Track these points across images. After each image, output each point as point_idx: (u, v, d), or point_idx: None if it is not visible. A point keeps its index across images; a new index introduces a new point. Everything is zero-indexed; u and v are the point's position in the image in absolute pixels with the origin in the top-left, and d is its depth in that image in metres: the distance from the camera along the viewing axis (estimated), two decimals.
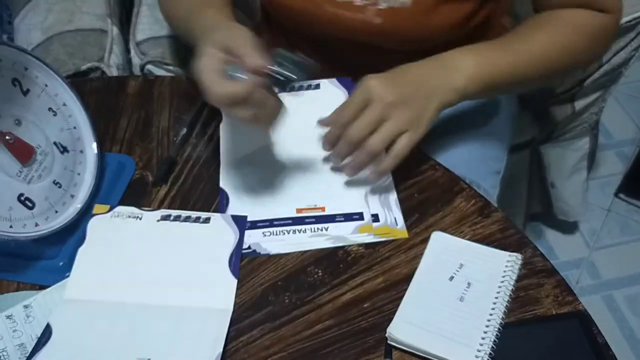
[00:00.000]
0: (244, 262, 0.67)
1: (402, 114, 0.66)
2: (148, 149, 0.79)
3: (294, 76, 0.59)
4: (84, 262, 0.66)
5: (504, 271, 0.64)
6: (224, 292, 0.64)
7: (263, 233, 0.68)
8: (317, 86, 0.81)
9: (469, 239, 0.68)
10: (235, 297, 0.64)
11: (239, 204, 0.71)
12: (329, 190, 0.71)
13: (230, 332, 0.61)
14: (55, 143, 0.70)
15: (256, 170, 0.74)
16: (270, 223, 0.69)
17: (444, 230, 0.69)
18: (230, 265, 0.66)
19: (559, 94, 1.15)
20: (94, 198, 0.71)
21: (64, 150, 0.71)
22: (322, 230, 0.68)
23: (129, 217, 0.70)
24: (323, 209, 0.70)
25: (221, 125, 0.78)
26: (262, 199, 0.71)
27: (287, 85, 0.60)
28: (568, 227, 1.50)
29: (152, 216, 0.70)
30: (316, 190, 0.71)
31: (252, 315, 0.63)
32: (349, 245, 0.68)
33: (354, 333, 0.61)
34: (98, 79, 0.97)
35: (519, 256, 0.65)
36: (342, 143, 0.69)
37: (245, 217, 0.69)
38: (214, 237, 0.68)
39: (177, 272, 0.65)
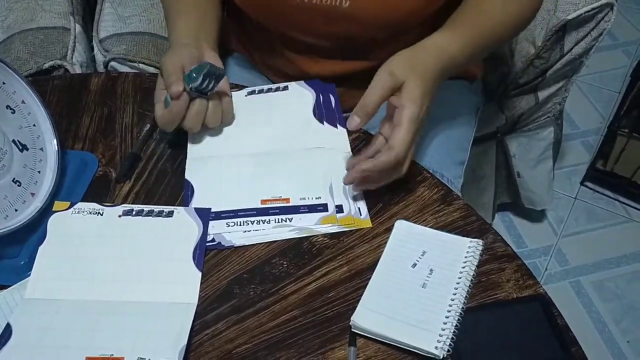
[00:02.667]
0: (208, 256, 0.67)
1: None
2: (111, 146, 0.78)
3: (206, 89, 0.71)
4: (45, 260, 0.65)
5: (465, 257, 0.65)
6: (188, 285, 0.64)
7: (227, 223, 0.68)
8: (286, 88, 0.82)
9: (431, 227, 0.69)
10: (200, 290, 0.64)
11: (203, 195, 0.71)
12: (293, 181, 0.72)
13: (195, 325, 0.61)
14: (14, 141, 0.69)
15: (222, 162, 0.74)
16: (235, 214, 0.69)
17: (407, 218, 0.69)
18: (194, 259, 0.66)
19: (522, 85, 1.16)
20: (55, 196, 0.70)
21: (23, 148, 0.70)
22: (286, 221, 0.68)
23: (90, 213, 0.69)
24: (287, 200, 0.70)
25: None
26: (227, 191, 0.71)
27: (204, 95, 0.72)
28: (536, 216, 1.53)
29: (113, 212, 0.69)
30: (281, 182, 0.72)
31: (217, 308, 0.63)
32: (314, 236, 0.68)
33: (318, 322, 0.62)
34: (60, 77, 0.96)
35: (480, 242, 0.66)
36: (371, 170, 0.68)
37: (209, 209, 0.69)
38: (178, 230, 0.68)
39: (141, 267, 0.65)
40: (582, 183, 1.61)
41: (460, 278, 0.63)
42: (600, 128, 1.73)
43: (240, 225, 0.68)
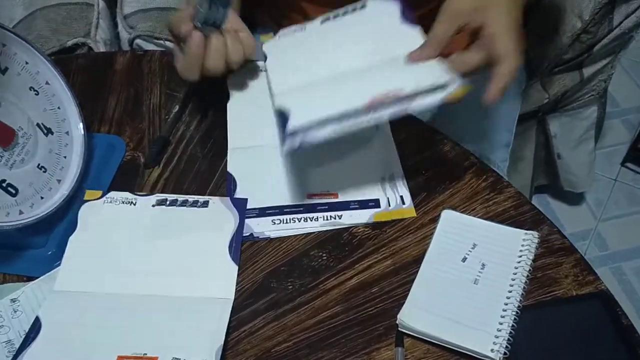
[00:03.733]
0: (246, 245, 0.63)
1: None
2: (139, 129, 0.74)
3: (216, 20, 0.63)
4: (76, 251, 0.62)
5: (521, 251, 0.60)
6: (224, 280, 0.60)
7: (272, 221, 0.64)
8: (363, 6, 0.70)
9: (481, 217, 0.64)
10: (236, 284, 0.60)
11: (246, 189, 0.67)
12: (341, 175, 0.67)
13: (232, 322, 0.57)
14: (38, 125, 0.65)
15: (265, 152, 0.69)
16: (280, 210, 0.64)
17: (454, 208, 0.65)
18: (230, 252, 0.62)
19: (567, 61, 1.10)
20: (82, 182, 0.66)
21: (48, 132, 0.66)
22: (335, 218, 0.64)
23: (123, 202, 0.66)
24: (336, 195, 0.65)
25: (228, 105, 0.73)
26: (272, 184, 0.67)
27: (217, 27, 0.64)
28: (574, 199, 1.47)
29: (147, 201, 0.66)
30: (328, 175, 0.67)
31: (254, 303, 0.59)
32: (354, 227, 0.64)
33: (362, 320, 0.58)
34: (84, 55, 0.92)
35: (536, 234, 0.61)
36: None
37: (246, 200, 0.65)
38: (213, 222, 0.64)
39: (175, 260, 0.62)
40: (622, 164, 1.54)
41: (515, 274, 0.58)
42: None
43: (286, 222, 0.64)
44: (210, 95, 0.77)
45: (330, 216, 0.64)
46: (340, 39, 0.67)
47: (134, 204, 0.66)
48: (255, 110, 0.72)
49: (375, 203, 0.65)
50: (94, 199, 0.66)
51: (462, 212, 0.64)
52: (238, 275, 0.61)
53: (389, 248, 0.63)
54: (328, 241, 0.63)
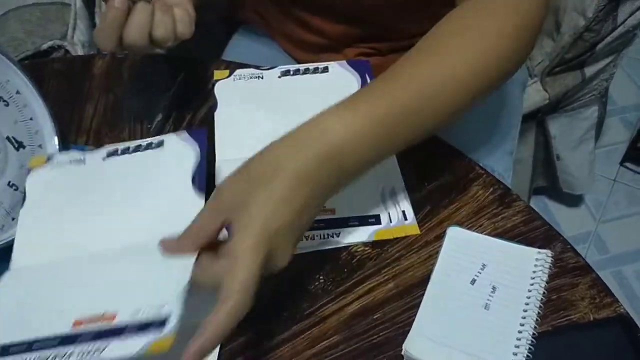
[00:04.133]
0: None
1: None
2: (119, 140, 0.69)
3: None
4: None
5: (534, 272, 0.56)
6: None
7: None
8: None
9: (489, 234, 0.59)
10: None
11: None
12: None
13: (220, 355, 0.52)
14: (8, 138, 0.60)
15: None
16: None
17: (460, 224, 0.60)
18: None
19: (569, 60, 1.06)
20: None
21: (19, 146, 0.61)
22: (333, 236, 0.59)
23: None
24: (333, 211, 0.61)
25: (216, 114, 0.67)
26: None
27: None
28: (573, 200, 1.43)
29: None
30: None
31: (244, 334, 0.54)
32: (353, 245, 0.59)
33: (365, 350, 0.53)
34: (60, 59, 0.87)
35: (549, 253, 0.57)
36: None
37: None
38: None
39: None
40: (621, 163, 1.51)
41: (529, 297, 0.54)
42: (639, 104, 1.62)
43: None
44: (198, 102, 0.72)
45: (328, 234, 0.59)
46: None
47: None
48: (246, 119, 0.67)
49: (376, 219, 0.60)
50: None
51: (468, 229, 0.60)
52: None
53: (391, 269, 0.58)
54: (325, 262, 0.59)
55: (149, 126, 0.70)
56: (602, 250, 1.36)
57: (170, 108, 0.71)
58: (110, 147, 0.60)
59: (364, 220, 0.60)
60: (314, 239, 0.59)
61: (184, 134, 0.60)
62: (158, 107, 0.71)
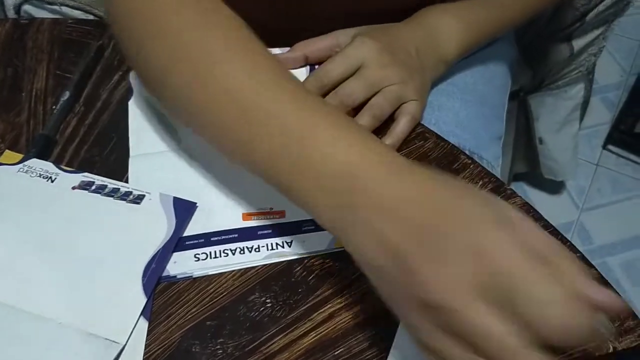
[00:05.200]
0: (157, 289, 0.45)
1: (407, 82, 0.52)
2: (15, 124, 0.55)
3: None
4: None
5: None
6: (122, 314, 0.43)
7: (195, 255, 0.46)
8: (139, 199, 0.49)
9: None
10: (145, 344, 0.42)
11: None
12: None
13: None
14: None
15: (181, 159, 0.51)
16: (207, 239, 0.46)
17: None
18: (144, 276, 0.45)
19: (556, 31, 0.94)
20: None
21: None
22: (282, 246, 0.46)
23: (40, 175, 0.50)
24: (282, 213, 0.48)
25: (130, 103, 0.55)
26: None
27: None
28: (554, 187, 1.33)
29: (68, 180, 0.50)
30: (269, 187, 0.49)
31: None
32: (309, 257, 0.47)
33: None
34: None
35: None
36: (334, 98, 0.50)
37: (194, 205, 0.48)
38: (139, 226, 0.47)
39: (71, 271, 0.45)
40: (604, 147, 1.41)
41: None
42: (621, 82, 1.52)
43: (215, 256, 0.46)
44: (118, 77, 0.57)
45: (276, 244, 0.46)
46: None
47: (52, 181, 0.50)
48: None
49: None
50: (10, 164, 0.51)
51: None
52: (148, 332, 0.43)
53: (358, 288, 0.45)
54: (273, 279, 0.46)
55: (54, 107, 0.55)
56: (586, 241, 1.27)
57: (80, 85, 0.57)
58: (87, 177, 0.50)
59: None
60: (258, 251, 0.46)
61: (168, 200, 0.48)
62: (66, 83, 0.57)
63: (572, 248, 0.48)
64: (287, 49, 0.57)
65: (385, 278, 0.33)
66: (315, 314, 0.44)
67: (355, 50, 0.52)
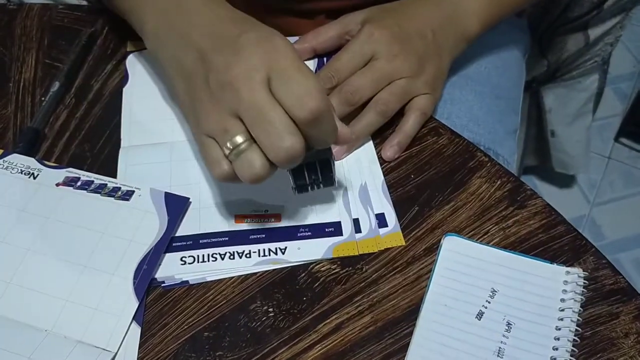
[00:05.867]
0: (151, 297, 0.42)
1: (419, 74, 0.49)
2: (2, 117, 0.52)
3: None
4: None
5: (562, 300, 0.40)
6: (113, 321, 0.40)
7: (182, 259, 0.42)
8: (128, 195, 0.46)
9: (498, 245, 0.44)
10: (138, 355, 0.39)
11: None
12: (285, 186, 0.46)
13: None
14: None
15: (174, 153, 0.48)
16: (195, 242, 0.43)
17: (459, 231, 0.45)
18: (135, 279, 0.42)
19: (572, 20, 0.90)
20: None
21: None
22: (276, 253, 0.43)
23: (22, 172, 0.47)
24: (278, 217, 0.44)
25: (125, 90, 0.51)
26: None
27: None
28: (564, 181, 1.29)
29: (52, 176, 0.47)
30: (265, 187, 0.46)
31: None
32: (315, 262, 0.43)
33: None
34: None
35: (581, 272, 0.42)
36: (338, 97, 0.47)
37: (186, 200, 0.45)
38: (129, 224, 0.44)
39: (56, 276, 0.42)
40: (616, 139, 1.37)
41: (558, 339, 0.39)
42: (634, 73, 1.48)
43: (202, 262, 0.43)
44: (108, 66, 0.54)
45: (269, 250, 0.43)
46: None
47: (35, 177, 0.47)
48: (160, 99, 0.50)
49: (335, 228, 0.44)
50: None
51: (470, 238, 0.44)
52: (140, 342, 0.40)
53: (367, 296, 0.42)
54: (276, 287, 0.42)
55: (43, 98, 0.52)
56: (597, 237, 1.23)
57: (71, 75, 0.53)
58: (72, 173, 0.47)
59: (318, 230, 0.44)
60: (249, 256, 0.43)
61: (159, 196, 0.45)
62: (56, 73, 0.53)
63: (588, 245, 0.45)
64: (295, 38, 0.53)
65: (192, 78, 0.41)
66: (321, 324, 0.41)
67: (362, 46, 0.48)
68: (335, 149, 0.47)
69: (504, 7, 0.55)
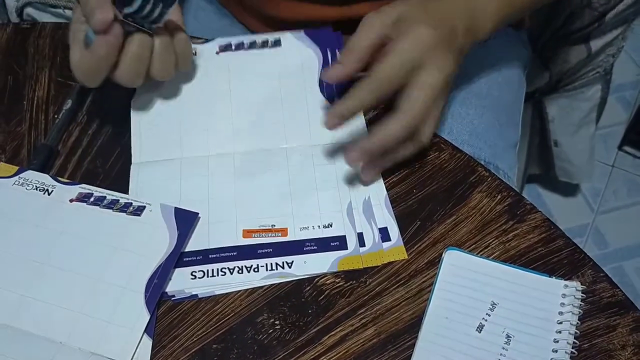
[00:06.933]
0: (161, 310, 0.43)
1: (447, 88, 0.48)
2: (16, 134, 0.53)
3: (150, 18, 0.45)
4: None
5: (560, 313, 0.42)
6: (125, 333, 0.42)
7: (192, 274, 0.44)
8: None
9: (498, 259, 0.45)
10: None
11: None
12: (291, 200, 0.47)
13: None
14: None
15: (184, 170, 0.49)
16: (205, 257, 0.45)
17: (460, 245, 0.46)
18: (147, 292, 0.43)
19: (574, 32, 0.91)
20: None
21: None
22: (283, 267, 0.44)
23: (37, 188, 0.49)
24: (284, 232, 0.46)
25: (133, 102, 0.53)
26: None
27: (148, 29, 0.46)
28: (568, 189, 1.30)
29: (66, 192, 0.48)
30: (272, 202, 0.47)
31: None
32: (319, 276, 0.45)
33: None
34: None
35: (579, 286, 0.43)
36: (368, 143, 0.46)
37: (195, 215, 0.46)
38: (141, 239, 0.46)
39: (69, 290, 0.44)
40: (620, 147, 1.38)
41: (556, 351, 0.40)
42: (638, 81, 1.48)
43: (211, 276, 0.44)
44: (119, 88, 0.56)
45: (276, 264, 0.45)
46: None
47: (49, 194, 0.48)
48: (172, 110, 0.52)
49: (340, 242, 0.46)
50: (5, 176, 0.49)
51: (471, 251, 0.45)
52: (151, 356, 0.41)
53: (370, 309, 0.43)
54: (282, 300, 0.44)
55: (56, 116, 0.54)
56: (601, 245, 1.24)
57: (83, 93, 0.55)
58: (85, 189, 0.48)
59: (324, 244, 0.45)
60: (257, 270, 0.44)
61: (169, 211, 0.47)
62: (68, 91, 0.55)
63: (586, 258, 0.46)
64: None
65: None
66: (326, 337, 0.42)
67: (411, 54, 0.45)
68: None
69: (516, 8, 0.53)
